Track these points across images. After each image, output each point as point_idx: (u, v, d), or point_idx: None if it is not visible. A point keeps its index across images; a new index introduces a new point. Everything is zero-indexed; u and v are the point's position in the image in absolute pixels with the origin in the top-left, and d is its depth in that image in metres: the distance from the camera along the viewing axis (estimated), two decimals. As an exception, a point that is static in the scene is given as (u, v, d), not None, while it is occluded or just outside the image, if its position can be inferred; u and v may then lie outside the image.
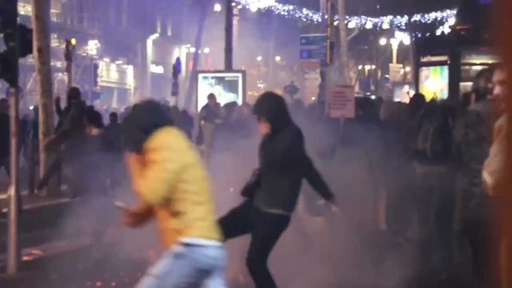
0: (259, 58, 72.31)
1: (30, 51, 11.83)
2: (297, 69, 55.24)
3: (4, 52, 10.93)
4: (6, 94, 28.94)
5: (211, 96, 23.72)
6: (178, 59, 35.30)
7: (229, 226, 7.14)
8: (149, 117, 5.65)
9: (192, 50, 58.78)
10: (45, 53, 20.36)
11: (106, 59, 59.07)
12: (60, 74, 46.62)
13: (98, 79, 46.63)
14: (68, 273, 9.13)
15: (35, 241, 12.58)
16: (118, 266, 9.69)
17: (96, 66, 46.87)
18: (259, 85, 68.84)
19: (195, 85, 31.67)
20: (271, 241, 7.64)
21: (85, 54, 53.03)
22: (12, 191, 10.98)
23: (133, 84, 64.03)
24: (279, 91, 29.10)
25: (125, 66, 62.58)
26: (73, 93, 17.79)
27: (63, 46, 33.75)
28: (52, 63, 21.56)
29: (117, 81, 61.49)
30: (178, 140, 5.61)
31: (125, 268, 9.64)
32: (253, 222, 7.65)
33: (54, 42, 46.46)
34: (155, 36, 65.41)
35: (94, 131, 11.41)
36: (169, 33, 68.91)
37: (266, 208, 7.65)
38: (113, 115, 17.98)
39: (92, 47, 56.88)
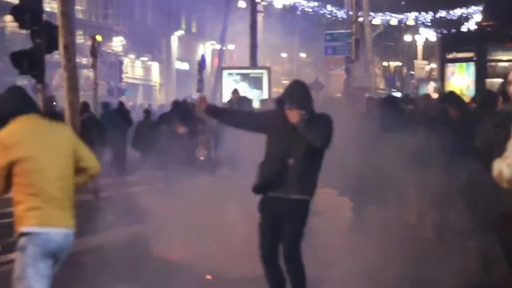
0: (283, 55, 72.23)
1: (56, 48, 11.95)
2: (322, 65, 55.16)
3: (31, 49, 11.05)
4: (33, 90, 29.15)
5: (235, 92, 23.77)
6: (203, 56, 35.40)
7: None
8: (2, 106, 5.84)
9: (217, 46, 58.84)
10: (70, 49, 20.42)
11: (131, 56, 59.24)
12: (85, 71, 46.77)
13: (123, 76, 46.79)
14: (98, 268, 9.16)
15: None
16: (145, 262, 9.72)
17: (121, 63, 47.04)
18: (284, 81, 68.82)
19: (220, 81, 31.71)
20: (304, 229, 7.61)
21: (110, 51, 53.20)
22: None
23: (158, 81, 64.16)
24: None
25: (150, 63, 62.71)
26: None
27: (88, 42, 33.90)
28: (77, 60, 21.60)
29: (142, 77, 61.64)
30: (14, 134, 5.76)
31: (154, 266, 9.67)
32: (282, 214, 7.58)
33: (80, 39, 46.60)
34: (180, 32, 65.49)
35: (181, 129, 11.56)
36: (194, 30, 68.97)
37: (297, 195, 7.57)
38: (147, 112, 18.37)
39: (117, 43, 57.04)
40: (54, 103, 24.26)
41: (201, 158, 14.68)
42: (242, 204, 9.44)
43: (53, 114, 5.79)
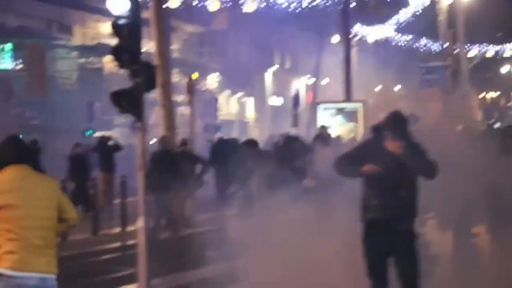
0: (378, 88, 71.91)
1: (155, 87, 12.14)
2: (417, 98, 54.60)
3: (130, 88, 11.26)
4: (132, 128, 29.73)
5: (323, 128, 23.93)
6: (297, 91, 35.53)
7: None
8: None
9: (311, 81, 58.95)
10: (167, 88, 20.86)
11: (226, 92, 59.85)
12: (181, 108, 47.47)
13: (218, 112, 47.27)
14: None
15: (163, 271, 12.82)
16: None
17: (216, 100, 47.55)
18: (380, 114, 68.30)
19: (314, 116, 31.76)
20: (420, 264, 7.58)
21: (205, 88, 53.87)
22: (141, 223, 11.25)
23: (253, 116, 64.57)
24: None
25: (244, 99, 63.23)
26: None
27: (184, 81, 34.41)
28: (173, 98, 22.02)
29: (237, 113, 62.14)
30: (1, 182, 6.23)
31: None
32: (392, 247, 7.54)
33: (176, 77, 47.35)
34: (274, 68, 65.91)
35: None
36: (288, 65, 69.30)
37: (408, 226, 7.52)
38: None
39: (212, 80, 57.72)
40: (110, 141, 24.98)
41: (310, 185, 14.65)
42: (345, 238, 9.41)
43: (40, 168, 6.49)
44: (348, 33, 31.83)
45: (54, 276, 6.37)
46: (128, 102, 11.15)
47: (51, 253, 6.35)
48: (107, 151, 25.08)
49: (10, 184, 6.24)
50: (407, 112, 10.34)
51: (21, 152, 6.36)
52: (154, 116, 34.19)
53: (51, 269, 6.33)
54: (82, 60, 46.66)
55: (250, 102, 64.10)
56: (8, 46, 41.10)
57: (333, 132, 24.99)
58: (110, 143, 25.96)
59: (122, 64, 11.39)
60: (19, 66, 41.46)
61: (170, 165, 17.26)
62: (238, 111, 62.61)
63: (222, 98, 56.92)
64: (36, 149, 6.41)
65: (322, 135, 23.18)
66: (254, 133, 60.94)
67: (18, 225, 6.17)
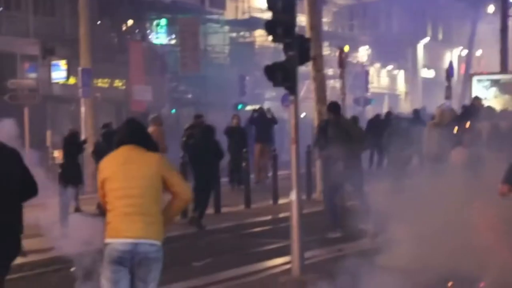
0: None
1: (308, 59, 12.11)
2: None
3: (284, 61, 11.28)
4: (282, 101, 29.92)
5: (476, 99, 23.22)
6: (451, 63, 34.84)
7: None
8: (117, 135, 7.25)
9: (464, 53, 57.66)
10: (319, 61, 20.82)
11: (377, 65, 59.30)
12: (331, 82, 47.37)
13: (369, 85, 46.90)
14: (350, 275, 9.23)
15: (316, 244, 12.88)
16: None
17: (367, 73, 47.17)
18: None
19: (468, 88, 31.06)
20: None
21: (355, 61, 53.53)
22: (293, 195, 11.29)
23: (404, 89, 63.76)
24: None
25: (395, 72, 62.49)
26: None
27: (334, 54, 34.27)
28: (324, 71, 21.97)
29: (387, 86, 61.51)
30: (107, 160, 7.08)
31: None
32: None
33: (326, 50, 47.29)
34: (425, 40, 64.78)
35: None
36: (440, 37, 67.98)
37: None
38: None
39: (363, 53, 57.31)
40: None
41: None
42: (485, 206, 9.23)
43: (149, 146, 7.06)
44: (505, 2, 30.83)
45: (150, 241, 6.77)
46: (282, 75, 11.16)
47: (145, 220, 6.77)
48: (265, 123, 25.35)
49: (113, 160, 7.01)
50: None
51: (131, 134, 7.05)
52: (305, 89, 34.30)
53: (143, 235, 6.76)
54: (234, 34, 47.21)
55: (401, 74, 63.31)
56: (163, 21, 42.07)
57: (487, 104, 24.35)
58: (269, 115, 26.25)
59: (276, 38, 11.41)
60: (173, 41, 42.39)
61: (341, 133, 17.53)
62: (388, 84, 61.97)
63: (372, 71, 56.44)
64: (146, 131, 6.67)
65: (474, 106, 22.60)
66: (405, 106, 60.18)
67: (112, 196, 6.86)
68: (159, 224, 6.85)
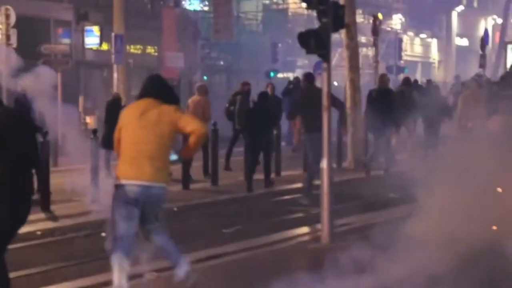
0: None
1: (343, 27, 12.04)
2: None
3: (318, 28, 11.21)
4: (315, 69, 29.77)
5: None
6: (486, 31, 34.47)
7: None
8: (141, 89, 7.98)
9: (499, 21, 57.02)
10: (352, 28, 20.71)
11: (410, 33, 58.84)
12: (364, 49, 47.09)
13: (402, 53, 46.57)
14: (383, 243, 9.23)
15: (346, 212, 12.89)
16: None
17: (400, 41, 46.82)
18: None
19: (503, 56, 30.77)
20: None
21: (389, 29, 53.14)
22: (324, 163, 11.27)
23: (437, 58, 63.28)
24: None
25: (429, 40, 61.98)
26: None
27: (368, 21, 34.04)
28: (357, 38, 21.83)
29: (421, 55, 61.07)
30: (126, 110, 8.02)
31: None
32: None
33: (359, 18, 46.99)
34: (460, 8, 64.13)
35: None
36: (475, 4, 67.27)
37: None
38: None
39: (396, 21, 56.87)
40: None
41: None
42: None
43: (170, 98, 7.87)
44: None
45: (160, 185, 7.62)
46: (315, 42, 11.09)
47: (154, 164, 7.56)
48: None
49: (131, 110, 7.84)
50: None
51: (152, 89, 7.81)
52: (337, 57, 34.14)
53: (156, 179, 7.56)
54: (267, 1, 47.01)
55: (434, 43, 62.80)
56: (196, -13, 41.95)
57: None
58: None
59: (309, 5, 11.35)
60: (206, 8, 42.29)
61: (387, 103, 18.56)
62: (422, 52, 61.51)
63: (406, 38, 56.02)
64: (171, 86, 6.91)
65: (510, 74, 22.36)
66: (439, 74, 59.78)
67: (126, 142, 7.65)
68: (166, 169, 7.71)
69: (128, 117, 7.79)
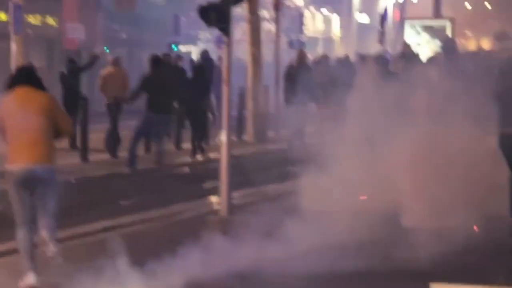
0: (467, 5, 70.22)
1: (243, 0, 12.09)
2: (508, 17, 53.15)
3: (219, 2, 11.24)
4: (217, 42, 29.71)
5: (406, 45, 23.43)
6: (385, 8, 35.03)
7: None
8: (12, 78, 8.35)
9: (399, -1, 57.84)
10: (254, 3, 20.77)
11: (312, 9, 59.29)
12: (266, 24, 47.25)
13: (303, 28, 46.83)
14: (275, 216, 9.39)
15: (244, 185, 13.00)
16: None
17: (301, 15, 47.08)
18: (467, 32, 66.95)
19: (401, 33, 31.33)
20: None
21: (291, 4, 53.41)
22: (223, 136, 11.36)
23: (339, 34, 63.98)
24: (487, 40, 28.30)
25: (330, 16, 62.57)
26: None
27: (270, -4, 34.05)
28: (259, 13, 21.91)
29: (322, 31, 61.63)
30: (7, 99, 8.19)
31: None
32: None
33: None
34: (361, -16, 64.97)
35: None
36: (375, -19, 68.22)
37: None
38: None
39: (299, -4, 57.22)
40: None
41: None
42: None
43: (42, 86, 8.42)
44: None
45: (46, 165, 7.99)
46: (216, 16, 11.13)
47: (41, 148, 7.96)
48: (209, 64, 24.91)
49: (12, 99, 8.14)
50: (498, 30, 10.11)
51: (24, 77, 8.24)
52: (240, 31, 34.17)
53: (41, 160, 7.95)
54: (170, -27, 46.63)
55: (336, 19, 63.45)
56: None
57: (420, 50, 24.57)
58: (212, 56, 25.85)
59: (209, -22, 11.38)
60: (107, -21, 41.69)
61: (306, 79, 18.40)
62: (324, 28, 62.07)
63: (308, 14, 56.41)
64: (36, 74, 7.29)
65: (406, 53, 22.81)
66: (340, 50, 60.46)
67: (12, 130, 8.00)
68: (52, 152, 8.10)
69: (10, 107, 8.15)
